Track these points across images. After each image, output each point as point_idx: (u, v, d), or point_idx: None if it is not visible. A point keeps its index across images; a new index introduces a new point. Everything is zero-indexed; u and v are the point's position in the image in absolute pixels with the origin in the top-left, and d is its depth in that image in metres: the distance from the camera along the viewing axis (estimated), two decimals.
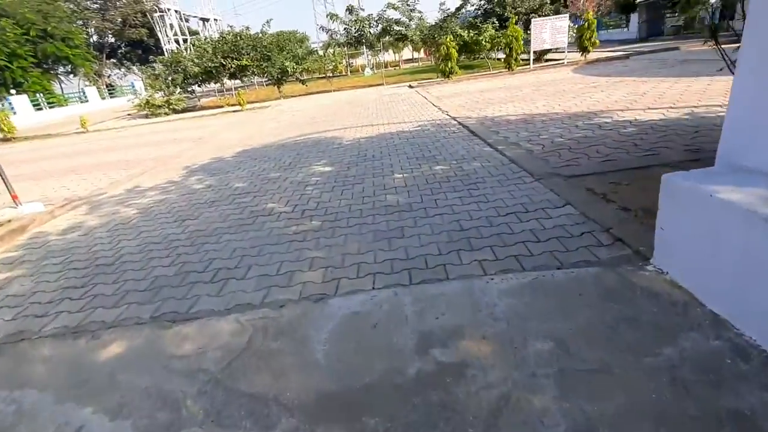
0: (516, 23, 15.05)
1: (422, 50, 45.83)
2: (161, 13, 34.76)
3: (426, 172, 4.76)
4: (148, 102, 18.06)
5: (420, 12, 18.75)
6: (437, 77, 18.01)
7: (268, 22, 20.24)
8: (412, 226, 3.37)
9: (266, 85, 25.44)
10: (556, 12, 21.60)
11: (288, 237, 3.50)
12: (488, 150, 5.33)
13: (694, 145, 4.30)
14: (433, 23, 19.43)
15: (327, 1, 42.79)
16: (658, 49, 15.27)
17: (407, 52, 53.21)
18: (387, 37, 20.67)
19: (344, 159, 5.99)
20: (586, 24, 14.60)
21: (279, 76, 19.13)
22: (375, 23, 20.30)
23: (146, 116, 18.29)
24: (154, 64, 20.94)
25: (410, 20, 18.93)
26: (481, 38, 16.77)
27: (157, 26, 35.07)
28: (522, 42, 14.91)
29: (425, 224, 3.36)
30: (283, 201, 4.46)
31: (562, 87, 10.04)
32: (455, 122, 7.54)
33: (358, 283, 2.64)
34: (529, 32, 15.59)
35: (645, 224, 2.81)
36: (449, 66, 15.03)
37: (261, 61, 18.89)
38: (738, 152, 2.15)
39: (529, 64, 15.81)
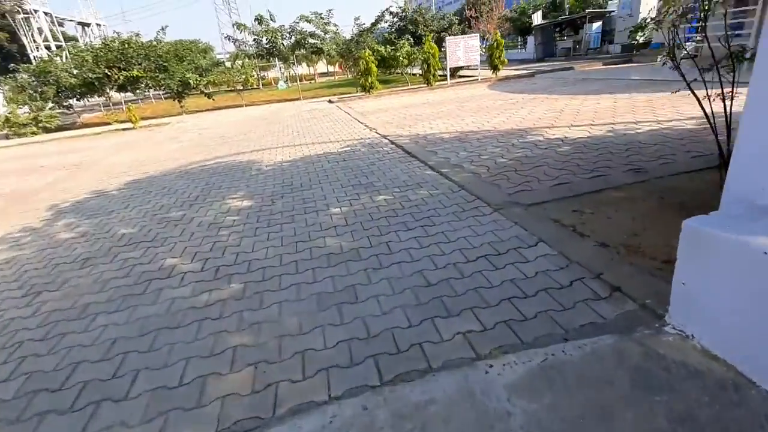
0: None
1: (337, 64, 45.84)
2: (26, 15, 29.56)
3: (368, 204, 4.09)
4: (8, 119, 14.79)
5: (335, 26, 18.30)
6: (357, 92, 17.64)
7: (163, 29, 18.10)
8: (366, 282, 2.65)
9: (165, 98, 22.78)
10: (463, 32, 22.83)
11: (196, 313, 2.55)
12: (431, 174, 4.85)
13: (632, 164, 4.25)
14: (349, 37, 19.12)
15: (232, 10, 40.53)
16: (556, 69, 16.71)
17: (322, 66, 52.76)
18: (301, 50, 19.84)
19: (266, 189, 5.06)
20: (495, 44, 15.41)
21: (180, 89, 17.11)
22: (288, 35, 19.35)
23: (6, 137, 14.95)
24: (16, 74, 17.38)
25: (325, 33, 18.35)
26: (398, 54, 16.81)
27: (22, 30, 29.72)
28: (438, 59, 15.20)
29: (381, 279, 2.67)
30: (189, 254, 3.43)
31: (484, 103, 10.20)
32: (386, 141, 7.03)
33: (307, 389, 1.84)
34: (443, 49, 16.04)
35: (635, 265, 2.47)
36: (369, 81, 14.72)
37: (156, 72, 16.73)
38: (755, 191, 1.84)
39: (446, 79, 16.19)
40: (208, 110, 18.40)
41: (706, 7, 3.16)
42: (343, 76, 42.95)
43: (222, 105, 19.58)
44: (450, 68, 15.75)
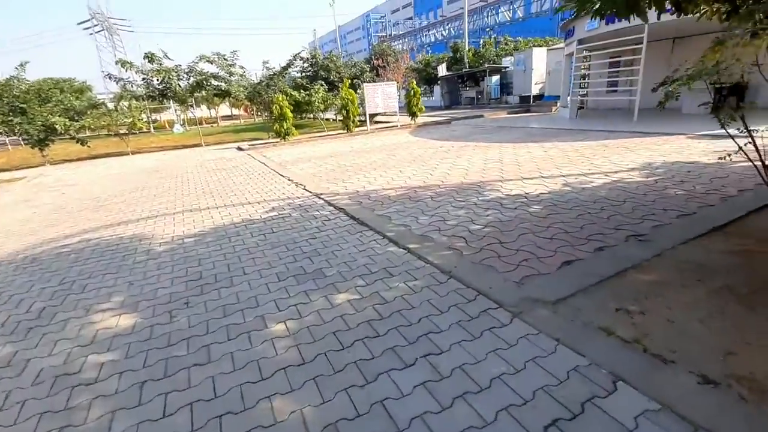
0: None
1: (242, 107, 43.79)
2: None
3: (325, 312, 2.80)
4: None
5: (242, 68, 16.93)
6: (269, 137, 16.25)
7: (23, 65, 14.83)
8: None
9: (27, 145, 18.58)
10: (373, 80, 23.21)
11: None
12: (397, 252, 3.76)
13: (623, 228, 3.70)
14: (258, 81, 17.88)
15: (117, 47, 36.53)
16: (469, 116, 17.48)
17: (225, 108, 50.09)
18: (202, 92, 17.93)
19: (161, 289, 3.44)
20: (413, 92, 15.55)
21: (42, 135, 13.87)
22: (185, 75, 17.37)
23: None
24: None
25: (230, 75, 16.85)
26: (313, 99, 15.99)
27: None
28: (356, 104, 14.73)
29: None
30: None
31: (415, 151, 9.67)
32: (321, 201, 5.83)
33: None
34: (357, 94, 15.71)
35: None
36: (285, 126, 13.51)
37: (10, 115, 13.39)
38: None
39: (365, 125, 15.75)
40: (81, 159, 15.19)
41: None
42: (250, 120, 41.07)
43: (101, 153, 16.44)
44: (370, 114, 15.37)
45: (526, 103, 19.47)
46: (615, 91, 15.62)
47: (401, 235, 4.09)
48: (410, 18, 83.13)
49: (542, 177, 6.01)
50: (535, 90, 19.26)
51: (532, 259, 3.28)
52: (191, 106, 37.00)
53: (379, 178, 6.95)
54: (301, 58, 21.03)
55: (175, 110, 37.12)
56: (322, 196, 6.01)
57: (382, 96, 15.02)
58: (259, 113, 25.49)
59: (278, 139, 14.04)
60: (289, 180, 7.62)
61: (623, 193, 4.87)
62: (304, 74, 22.05)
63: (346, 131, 14.89)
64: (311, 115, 23.18)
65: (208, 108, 47.06)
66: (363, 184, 6.59)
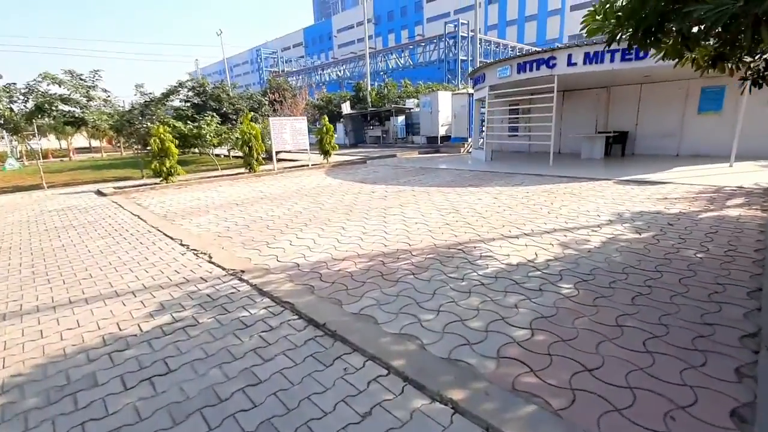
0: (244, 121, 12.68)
1: (105, 139, 36.89)
2: None
3: None
4: None
5: (106, 92, 13.42)
6: (144, 177, 12.97)
7: None
8: None
9: None
10: (272, 114, 21.26)
11: None
12: (437, 412, 2.06)
13: (714, 321, 2.65)
14: (129, 108, 14.47)
15: None
16: (382, 156, 16.68)
17: (81, 140, 41.76)
18: (46, 119, 13.72)
19: None
20: (325, 129, 14.09)
21: None
22: (21, 97, 13.10)
23: None
24: None
25: (89, 100, 13.20)
26: (204, 132, 13.35)
27: None
28: (262, 141, 12.64)
29: None
30: None
31: (345, 198, 8.07)
32: (246, 286, 3.78)
33: None
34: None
35: None
36: (168, 164, 10.66)
37: None
38: None
39: (270, 164, 13.64)
40: None
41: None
42: (115, 154, 34.70)
43: None
44: (277, 152, 13.35)
45: (434, 144, 19.65)
46: (516, 135, 16.55)
47: (417, 361, 2.41)
48: (302, 57, 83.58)
49: (525, 234, 4.97)
50: (441, 131, 19.61)
51: (674, 410, 1.93)
52: (33, 135, 29.52)
53: (320, 240, 5.15)
54: (186, 87, 18.06)
55: (9, 140, 29.15)
56: (244, 276, 3.97)
57: (291, 132, 13.22)
58: (128, 146, 21.01)
59: (158, 180, 11.05)
60: (182, 245, 5.28)
61: (638, 256, 4.02)
62: (189, 104, 18.99)
63: (248, 171, 12.57)
64: (197, 150, 20.04)
65: (58, 139, 38.70)
66: (300, 252, 4.71)
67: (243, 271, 4.10)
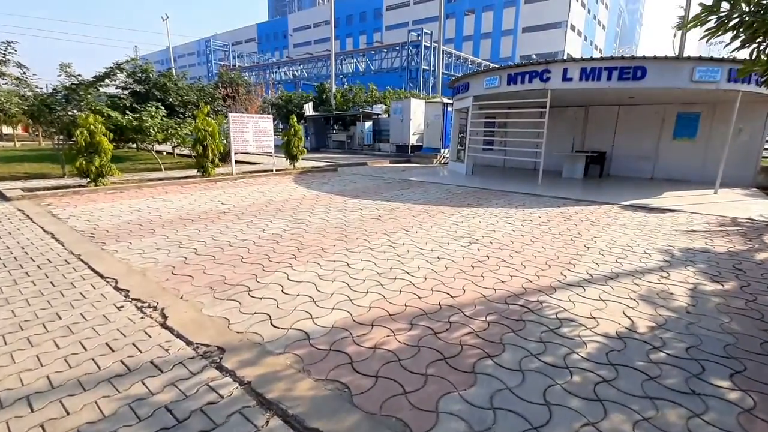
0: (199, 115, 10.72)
1: (20, 126, 31.83)
2: None
3: None
4: None
5: (23, 68, 10.75)
6: (66, 174, 10.56)
7: None
8: None
9: None
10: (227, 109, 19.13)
11: None
12: None
13: None
14: (51, 91, 11.88)
15: None
16: (353, 163, 15.35)
17: None
18: None
19: None
20: (293, 130, 12.47)
21: None
22: None
23: None
24: None
25: None
26: (148, 125, 11.17)
27: None
28: (220, 140, 10.78)
29: None
30: None
31: (330, 216, 6.66)
32: (235, 387, 2.31)
33: None
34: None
35: None
36: (98, 163, 8.52)
37: None
38: None
39: (227, 166, 11.77)
40: None
41: None
42: (32, 144, 29.93)
43: None
44: (234, 154, 11.49)
45: (404, 153, 18.66)
46: (491, 149, 16.02)
47: None
48: (255, 53, 79.72)
49: (586, 280, 3.97)
50: (413, 140, 18.68)
51: None
52: None
53: (323, 284, 3.75)
54: (125, 71, 15.49)
55: None
56: (226, 362, 2.49)
57: (254, 131, 11.46)
58: (48, 136, 17.71)
59: (84, 182, 8.85)
60: (118, 290, 3.61)
61: (753, 321, 3.14)
62: (128, 92, 16.38)
63: (201, 174, 10.63)
64: (134, 145, 17.43)
65: None
66: (303, 307, 3.29)
67: (223, 350, 2.62)
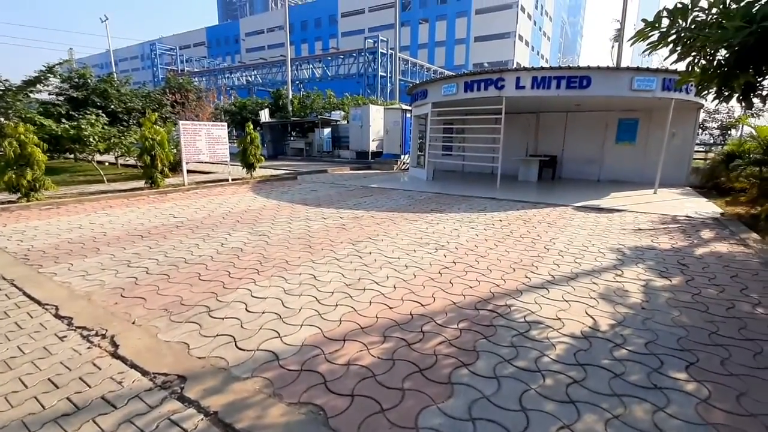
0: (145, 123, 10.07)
1: None
2: None
3: None
4: None
5: None
6: None
7: None
8: None
9: None
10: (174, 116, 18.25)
11: None
12: None
13: None
14: None
15: None
16: (313, 171, 15.11)
17: None
18: None
19: None
20: (249, 138, 12.04)
21: None
22: None
23: None
24: None
25: None
26: (87, 133, 10.34)
27: None
28: (170, 149, 10.20)
29: None
30: None
31: (293, 227, 6.47)
32: (200, 419, 2.14)
33: None
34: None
35: None
36: (31, 176, 7.75)
37: None
38: None
39: (178, 177, 11.15)
40: None
41: None
42: None
43: None
44: (185, 164, 10.91)
45: (364, 159, 18.64)
46: (450, 154, 16.40)
47: None
48: (204, 57, 76.87)
49: (549, 282, 4.11)
50: (372, 146, 18.72)
51: None
52: None
53: (290, 299, 3.60)
54: (59, 75, 14.34)
55: None
56: (188, 392, 2.30)
57: (206, 140, 10.95)
58: None
59: (15, 197, 8.01)
60: (60, 317, 3.26)
61: (699, 314, 3.39)
62: (63, 98, 15.15)
63: (149, 186, 9.98)
64: (71, 155, 16.18)
65: None
66: (269, 325, 3.13)
67: (184, 378, 2.42)
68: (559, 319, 3.25)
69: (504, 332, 3.02)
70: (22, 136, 7.67)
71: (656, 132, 12.21)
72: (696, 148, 12.85)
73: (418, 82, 20.28)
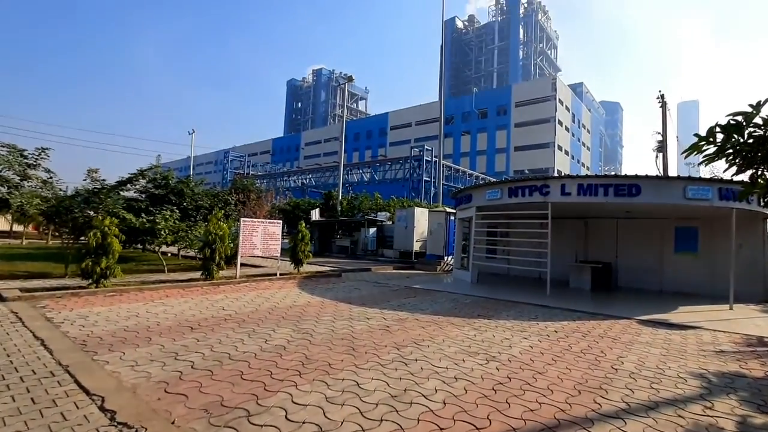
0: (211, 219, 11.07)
1: (31, 224, 32.74)
2: None
3: None
4: None
5: (50, 173, 11.54)
6: (68, 274, 10.41)
7: None
8: None
9: None
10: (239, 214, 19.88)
11: None
12: None
13: None
14: (72, 193, 12.51)
15: None
16: (357, 269, 15.32)
17: (1, 221, 36.86)
18: None
19: None
20: (300, 235, 12.74)
21: None
22: None
23: None
24: None
25: (22, 179, 11.20)
26: (160, 227, 11.47)
27: None
28: (228, 243, 10.94)
29: None
30: None
31: (336, 326, 6.36)
32: None
33: None
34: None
35: None
36: (104, 264, 8.50)
37: None
38: None
39: (232, 269, 11.71)
40: None
41: None
42: (39, 242, 30.39)
43: None
44: (240, 257, 11.54)
45: (407, 259, 18.74)
46: (494, 257, 16.12)
47: None
48: (268, 163, 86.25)
49: (624, 411, 3.58)
50: (416, 246, 18.93)
51: None
52: None
53: (332, 409, 3.36)
54: (147, 176, 16.55)
55: None
56: None
57: (262, 235, 11.71)
58: (58, 234, 18.28)
59: (86, 282, 8.70)
60: (104, 410, 3.24)
61: None
62: (146, 195, 17.21)
63: (204, 277, 10.51)
64: (141, 246, 17.69)
65: None
66: None
67: None
68: None
69: None
70: (106, 228, 8.62)
71: (720, 242, 11.44)
72: None
73: (460, 186, 21.14)
